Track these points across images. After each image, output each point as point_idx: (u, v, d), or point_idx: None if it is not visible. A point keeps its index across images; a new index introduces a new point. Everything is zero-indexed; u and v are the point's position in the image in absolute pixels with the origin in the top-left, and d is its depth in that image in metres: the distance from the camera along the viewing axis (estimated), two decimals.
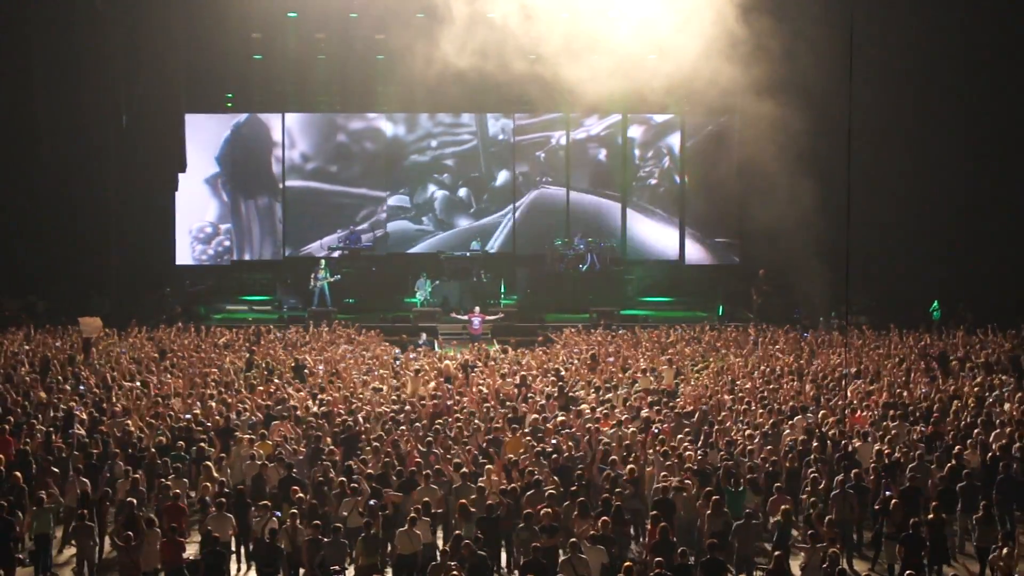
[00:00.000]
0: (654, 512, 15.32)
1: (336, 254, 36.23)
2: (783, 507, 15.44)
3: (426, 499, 15.71)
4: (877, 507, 16.30)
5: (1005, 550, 14.03)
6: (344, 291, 35.22)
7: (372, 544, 14.71)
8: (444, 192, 38.84)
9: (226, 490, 16.34)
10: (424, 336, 29.89)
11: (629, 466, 16.97)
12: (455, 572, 13.27)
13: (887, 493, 16.27)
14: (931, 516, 15.24)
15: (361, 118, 38.75)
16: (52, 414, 19.79)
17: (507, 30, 31.00)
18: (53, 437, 18.34)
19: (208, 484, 16.39)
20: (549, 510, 15.14)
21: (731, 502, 15.88)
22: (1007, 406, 20.77)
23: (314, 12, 36.03)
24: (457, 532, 14.86)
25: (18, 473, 16.51)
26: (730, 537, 15.10)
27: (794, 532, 16.03)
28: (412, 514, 15.01)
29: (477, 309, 31.63)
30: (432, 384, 22.85)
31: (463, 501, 15.51)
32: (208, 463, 17.03)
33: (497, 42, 30.97)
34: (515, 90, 34.43)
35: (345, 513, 15.54)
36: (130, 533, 14.47)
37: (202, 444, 18.02)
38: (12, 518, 15.12)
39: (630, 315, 34.47)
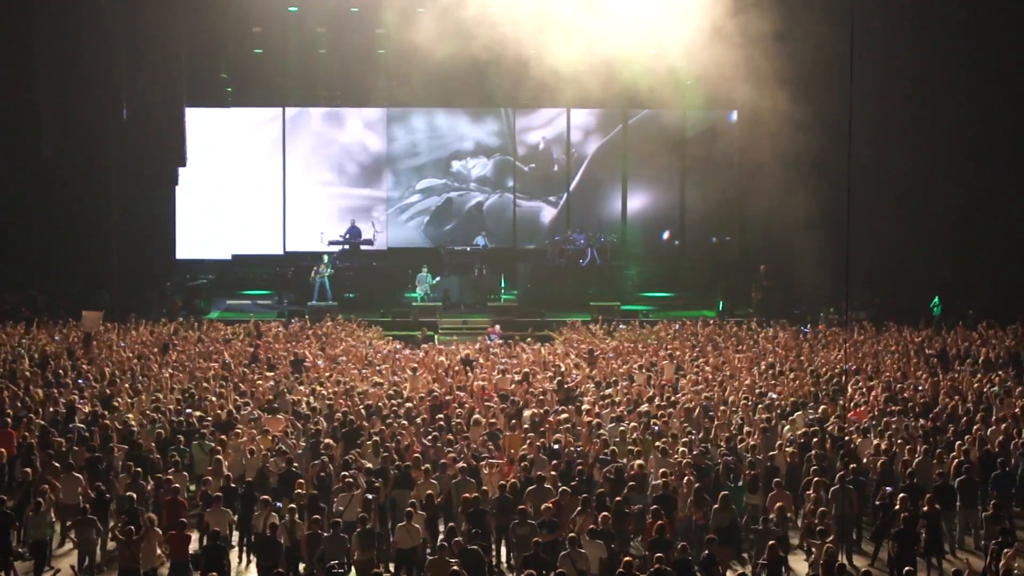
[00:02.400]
0: (654, 507, 15.34)
1: (336, 248, 36.18)
2: (779, 503, 15.46)
3: (428, 492, 15.73)
4: (877, 503, 16.33)
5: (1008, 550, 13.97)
6: (345, 286, 35.22)
7: (368, 539, 14.71)
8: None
9: (232, 484, 16.33)
10: (425, 332, 29.94)
11: (630, 462, 16.99)
12: (455, 567, 13.29)
13: (887, 489, 16.30)
14: (927, 509, 15.27)
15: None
16: (52, 408, 19.80)
17: (505, 25, 31.03)
18: (52, 432, 18.32)
19: (211, 478, 16.40)
20: (549, 505, 15.18)
21: (732, 498, 15.86)
22: (1006, 401, 20.79)
23: (315, 6, 36.04)
24: (451, 524, 14.90)
25: (28, 470, 16.53)
26: (746, 542, 15.07)
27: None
28: (409, 508, 15.05)
29: (498, 327, 31.07)
30: (431, 378, 22.87)
31: (465, 496, 15.53)
32: (219, 457, 17.05)
33: (495, 36, 31.02)
34: (515, 84, 34.41)
35: (341, 508, 15.55)
36: (132, 528, 14.50)
37: (211, 440, 17.99)
38: (12, 513, 15.16)
39: (630, 310, 34.42)
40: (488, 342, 28.24)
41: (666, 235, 39.23)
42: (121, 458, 17.47)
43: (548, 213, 39.20)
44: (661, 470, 16.61)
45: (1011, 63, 33.66)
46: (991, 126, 34.09)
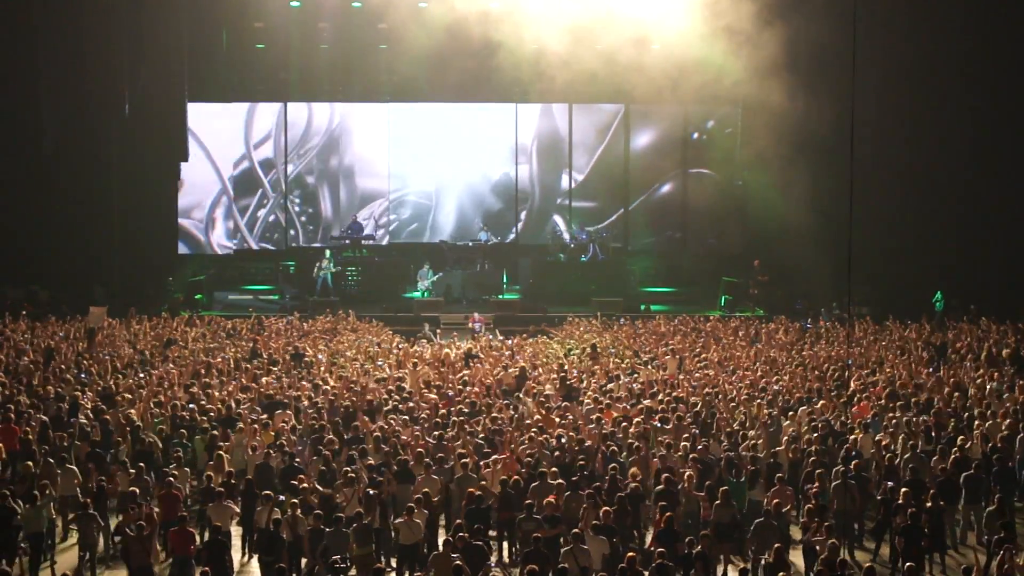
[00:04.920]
0: (661, 504, 15.31)
1: (338, 244, 36.16)
2: (780, 499, 15.44)
3: (426, 489, 15.71)
4: (879, 498, 16.31)
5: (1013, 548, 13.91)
6: (347, 281, 35.18)
7: (365, 534, 14.66)
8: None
9: (232, 480, 16.31)
10: (426, 327, 29.94)
11: (632, 457, 16.97)
12: (457, 563, 13.29)
13: (889, 484, 16.28)
14: (930, 505, 15.24)
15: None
16: (57, 404, 19.78)
17: (507, 20, 31.00)
18: (50, 427, 18.29)
19: (212, 473, 16.39)
20: (552, 500, 15.16)
21: (733, 493, 15.87)
22: (1008, 397, 20.76)
23: (316, 1, 36.03)
24: (458, 522, 14.88)
25: (30, 463, 16.54)
26: (748, 536, 15.08)
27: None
28: (411, 504, 15.04)
29: (476, 315, 31.35)
30: (433, 374, 22.85)
31: (472, 490, 15.51)
32: (220, 452, 17.03)
33: (497, 32, 30.98)
34: (517, 79, 34.36)
35: (343, 503, 15.53)
36: (143, 523, 14.49)
37: (214, 433, 17.98)
38: (15, 506, 15.16)
39: (633, 306, 34.34)
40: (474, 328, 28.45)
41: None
42: (124, 453, 17.48)
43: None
44: (664, 465, 16.60)
45: (1016, 54, 33.58)
46: (994, 119, 34.02)
